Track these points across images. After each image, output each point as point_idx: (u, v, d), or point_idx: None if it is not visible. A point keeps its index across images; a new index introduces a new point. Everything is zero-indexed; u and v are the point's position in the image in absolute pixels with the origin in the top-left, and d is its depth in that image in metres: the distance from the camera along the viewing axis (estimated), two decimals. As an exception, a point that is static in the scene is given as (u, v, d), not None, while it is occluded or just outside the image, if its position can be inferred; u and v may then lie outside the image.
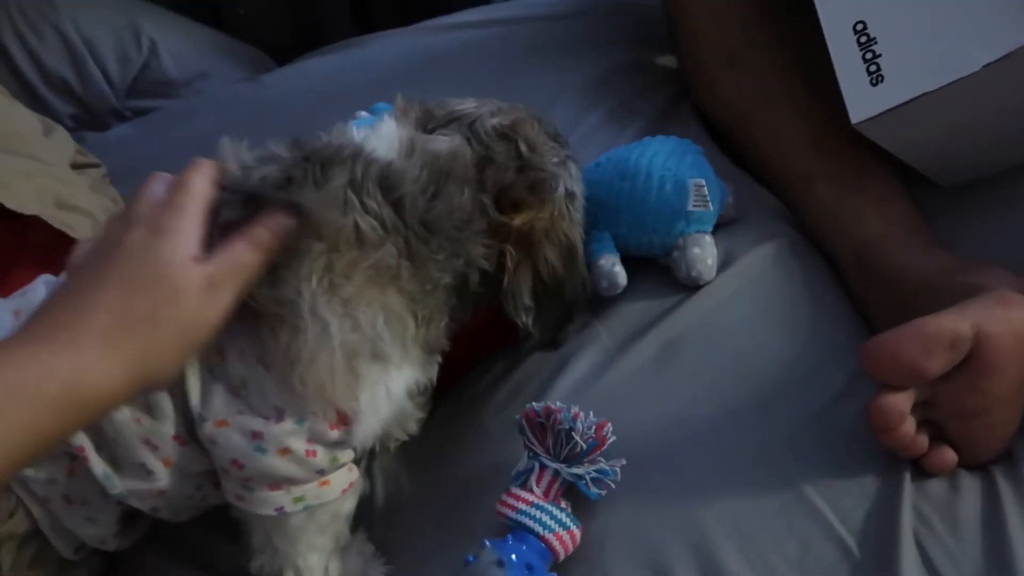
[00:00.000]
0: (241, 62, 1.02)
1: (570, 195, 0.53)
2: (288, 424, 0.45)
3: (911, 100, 0.55)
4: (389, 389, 0.47)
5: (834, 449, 0.51)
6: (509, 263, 0.50)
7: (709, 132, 0.80)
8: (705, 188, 0.60)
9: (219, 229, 0.44)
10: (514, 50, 0.96)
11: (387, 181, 0.46)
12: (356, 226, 0.45)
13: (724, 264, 0.62)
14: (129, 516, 0.50)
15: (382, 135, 0.49)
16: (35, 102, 0.86)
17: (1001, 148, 0.65)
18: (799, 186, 0.69)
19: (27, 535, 0.48)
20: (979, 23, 0.53)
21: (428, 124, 0.52)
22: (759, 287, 0.62)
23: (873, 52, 0.58)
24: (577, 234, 0.54)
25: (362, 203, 0.45)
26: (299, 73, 0.99)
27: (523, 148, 0.51)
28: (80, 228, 0.58)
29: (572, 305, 0.55)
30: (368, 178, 0.46)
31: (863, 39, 0.58)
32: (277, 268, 0.44)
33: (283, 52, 1.04)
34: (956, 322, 0.45)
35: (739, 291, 0.61)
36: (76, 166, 0.73)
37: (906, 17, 0.57)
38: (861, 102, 0.58)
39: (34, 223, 0.57)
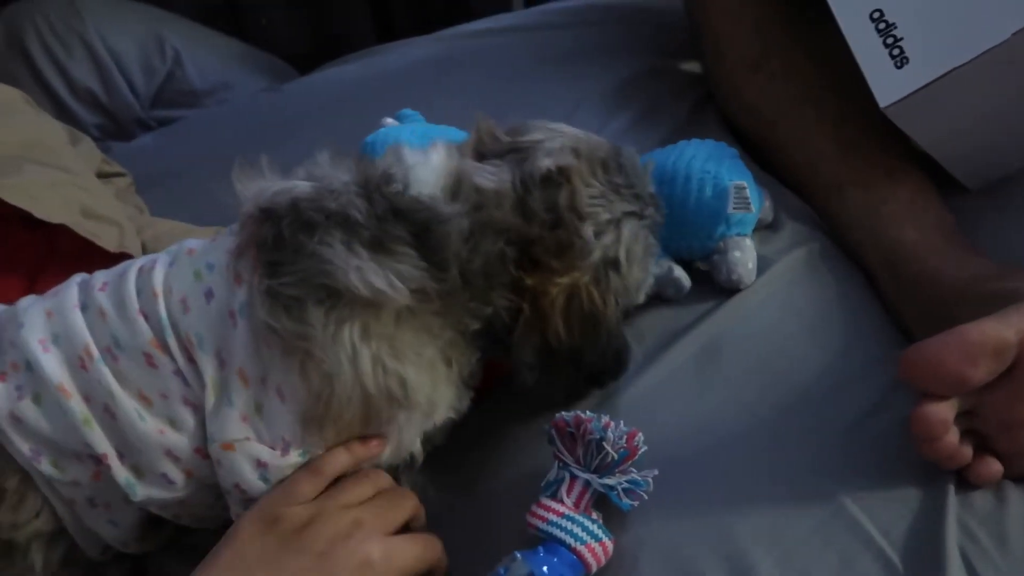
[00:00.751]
0: (263, 71, 1.03)
1: (611, 262, 0.49)
2: (293, 457, 0.45)
3: (940, 78, 0.55)
4: (413, 434, 0.48)
5: (873, 460, 0.49)
6: (522, 318, 0.48)
7: (735, 137, 0.79)
8: (746, 190, 0.59)
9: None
10: (534, 58, 0.96)
11: (432, 239, 0.45)
12: (397, 275, 0.44)
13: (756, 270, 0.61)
14: (152, 520, 0.50)
15: (431, 167, 0.47)
16: (62, 112, 0.87)
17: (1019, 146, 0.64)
18: (829, 192, 0.68)
19: (54, 534, 0.48)
20: None
21: (486, 150, 0.50)
22: (792, 294, 0.61)
23: (894, 37, 0.57)
24: (610, 305, 0.49)
25: (403, 255, 0.45)
26: (320, 82, 1.00)
27: (563, 202, 0.48)
28: (106, 237, 0.58)
29: (598, 373, 0.52)
30: (411, 225, 0.45)
31: (882, 26, 0.57)
32: (304, 302, 0.43)
33: (305, 61, 1.04)
34: (1000, 329, 0.44)
35: (771, 298, 0.60)
36: (102, 175, 0.74)
37: None
38: (888, 86, 0.57)
39: (61, 231, 0.57)
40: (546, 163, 0.48)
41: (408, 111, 0.74)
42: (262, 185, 0.48)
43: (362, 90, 0.95)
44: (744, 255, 0.59)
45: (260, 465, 0.45)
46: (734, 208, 0.59)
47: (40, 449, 0.45)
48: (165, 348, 0.45)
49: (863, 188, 0.66)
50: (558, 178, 0.48)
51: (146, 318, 0.46)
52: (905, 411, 0.48)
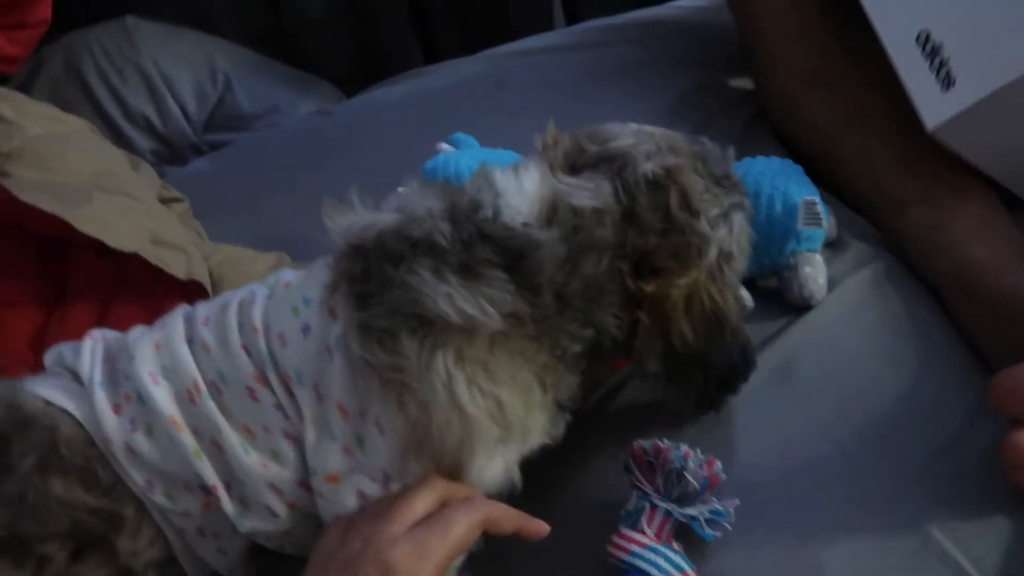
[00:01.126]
0: (311, 94, 1.04)
1: (725, 256, 0.48)
2: (394, 489, 0.45)
3: (986, 97, 0.54)
4: (506, 463, 0.47)
5: (961, 488, 0.48)
6: (642, 325, 0.47)
7: (791, 154, 0.78)
8: (816, 205, 0.59)
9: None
10: (581, 76, 0.96)
11: (525, 266, 0.44)
12: (488, 300, 0.43)
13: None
14: (257, 548, 0.50)
15: (523, 191, 0.46)
16: (118, 139, 0.88)
17: None
18: (894, 209, 0.67)
19: (166, 561, 0.49)
20: None
21: (577, 162, 0.49)
22: (861, 314, 0.60)
23: (941, 59, 0.57)
24: (729, 300, 0.48)
25: (493, 279, 0.44)
26: (367, 104, 1.00)
27: (673, 203, 0.47)
28: (174, 263, 0.59)
29: (727, 375, 0.50)
30: (502, 251, 0.44)
31: (928, 48, 0.57)
32: (397, 333, 0.43)
33: (351, 83, 1.05)
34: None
35: (841, 318, 0.60)
36: (162, 200, 0.74)
37: (970, 18, 0.56)
38: (935, 108, 0.57)
39: (131, 259, 0.58)
40: (649, 167, 0.47)
41: (461, 135, 0.74)
42: (351, 219, 0.47)
43: (410, 111, 0.96)
44: (815, 270, 0.59)
45: (362, 497, 0.45)
46: (805, 224, 0.59)
47: (154, 480, 0.46)
48: (266, 382, 0.45)
49: (929, 205, 0.64)
50: (665, 180, 0.47)
51: (247, 352, 0.46)
52: (989, 438, 0.47)
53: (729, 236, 0.48)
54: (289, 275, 0.50)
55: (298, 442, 0.45)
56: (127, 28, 0.91)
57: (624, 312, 0.46)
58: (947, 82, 0.56)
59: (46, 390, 0.47)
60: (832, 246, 0.65)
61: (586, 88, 0.93)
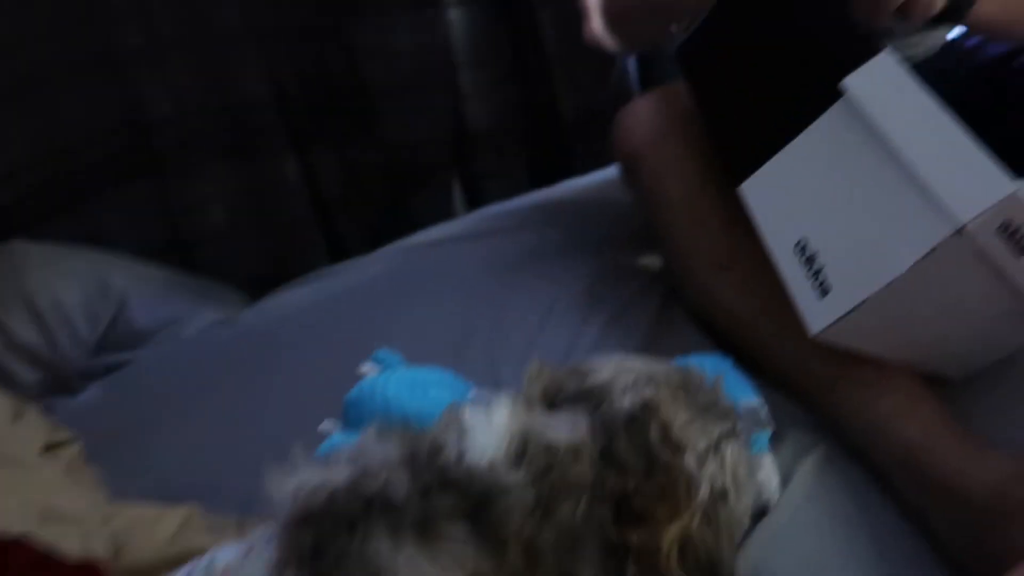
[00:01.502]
0: (212, 302, 0.99)
1: (719, 493, 0.45)
2: None
3: (859, 305, 0.56)
4: None
5: None
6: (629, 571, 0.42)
7: (708, 334, 0.79)
8: (760, 411, 0.58)
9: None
10: (492, 265, 0.96)
11: (490, 515, 0.40)
12: (450, 558, 0.39)
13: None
14: None
15: (492, 426, 0.43)
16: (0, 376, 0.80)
17: (983, 344, 0.66)
18: (822, 390, 0.67)
19: None
20: (905, 222, 0.55)
21: (555, 398, 0.47)
22: (810, 512, 0.59)
23: (817, 267, 0.59)
24: (724, 544, 0.45)
25: (454, 536, 0.40)
26: (275, 308, 0.97)
27: (654, 438, 0.44)
28: (68, 541, 0.52)
29: None
30: (464, 500, 0.41)
31: (805, 256, 0.60)
32: None
33: (257, 286, 1.02)
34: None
35: (793, 521, 0.58)
36: (49, 447, 0.67)
37: (841, 228, 0.59)
38: (815, 315, 0.59)
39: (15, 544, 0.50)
40: (627, 401, 0.45)
41: (384, 352, 0.71)
42: (298, 480, 0.42)
43: (321, 314, 0.93)
44: (768, 474, 0.58)
45: None
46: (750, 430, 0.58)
47: None
48: None
49: (857, 384, 0.65)
50: (643, 416, 0.45)
51: None
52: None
53: (721, 470, 0.46)
54: (226, 555, 0.44)
55: None
56: (13, 253, 0.86)
57: (610, 564, 0.42)
58: (823, 290, 0.58)
59: None
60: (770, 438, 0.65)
61: (499, 278, 0.93)
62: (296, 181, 1.05)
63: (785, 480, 0.60)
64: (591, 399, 0.46)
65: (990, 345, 0.67)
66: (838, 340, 0.60)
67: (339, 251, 1.12)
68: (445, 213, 1.21)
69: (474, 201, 1.27)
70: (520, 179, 1.29)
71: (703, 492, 0.44)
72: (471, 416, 0.44)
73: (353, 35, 0.99)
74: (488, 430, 0.43)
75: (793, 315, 0.69)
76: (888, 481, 0.62)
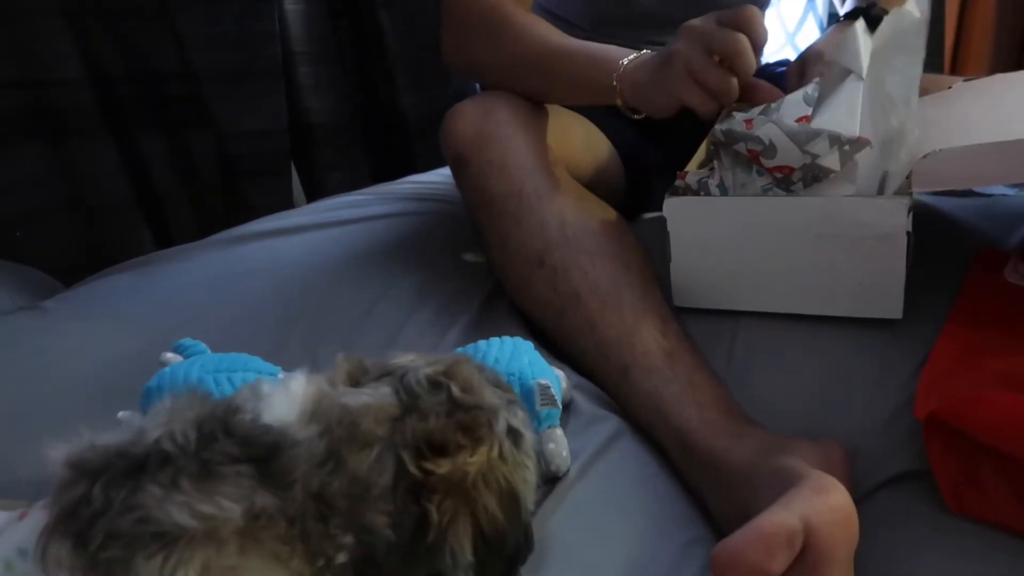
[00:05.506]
0: (19, 287, 0.94)
1: (514, 433, 0.48)
2: None
3: None
4: None
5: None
6: (436, 518, 0.44)
7: (526, 327, 0.83)
8: (551, 388, 0.62)
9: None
10: (325, 255, 0.96)
11: (277, 463, 0.41)
12: (227, 496, 0.40)
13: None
14: None
15: (290, 394, 0.45)
16: None
17: None
18: (616, 378, 0.73)
19: None
20: None
21: (360, 379, 0.49)
22: (600, 482, 0.63)
23: None
24: (521, 478, 0.48)
25: (234, 475, 0.41)
26: (89, 296, 0.92)
27: (455, 391, 0.47)
28: None
29: (513, 560, 0.48)
30: (249, 449, 0.42)
31: None
32: (130, 561, 0.38)
33: (73, 273, 0.97)
34: (787, 519, 0.48)
35: (584, 490, 0.62)
36: None
37: None
38: None
39: None
40: (430, 369, 0.48)
41: (188, 341, 0.69)
42: (75, 444, 0.42)
43: (140, 301, 0.90)
44: (558, 445, 0.62)
45: None
46: (541, 405, 0.62)
47: None
48: None
49: (646, 371, 0.71)
50: (445, 379, 0.48)
51: None
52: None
53: (516, 418, 0.49)
54: None
55: None
56: None
57: (405, 508, 0.44)
58: None
59: None
60: (567, 409, 0.69)
61: (331, 270, 0.93)
62: (116, 166, 1.00)
63: (576, 454, 0.65)
64: (395, 374, 0.48)
65: None
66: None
67: (166, 240, 1.09)
68: (284, 204, 1.20)
69: (315, 193, 1.27)
70: (362, 173, 1.30)
71: (501, 425, 0.48)
72: (269, 387, 0.45)
73: (179, 20, 0.97)
74: (285, 397, 0.45)
75: (593, 312, 0.75)
76: (669, 459, 0.68)
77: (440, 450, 0.45)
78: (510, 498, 0.47)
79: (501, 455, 0.47)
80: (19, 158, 0.94)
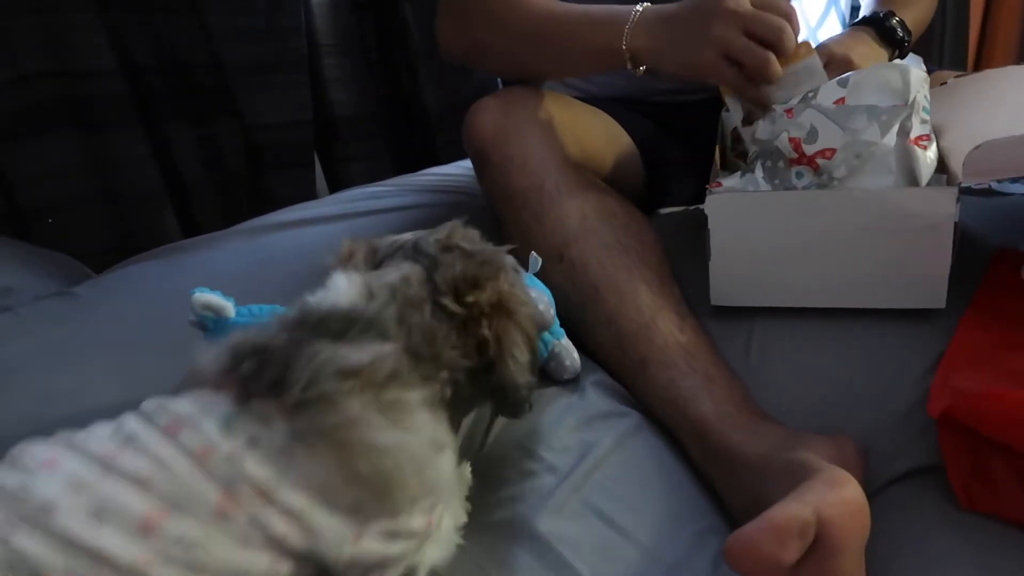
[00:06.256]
0: (51, 273, 0.96)
1: (515, 269, 0.58)
2: (405, 515, 0.48)
3: None
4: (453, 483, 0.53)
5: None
6: (491, 335, 0.53)
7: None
8: (551, 308, 0.71)
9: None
10: (347, 247, 0.97)
11: (376, 330, 0.49)
12: (392, 355, 0.48)
13: (582, 457, 0.65)
14: None
15: (339, 291, 0.51)
16: None
17: None
18: (634, 371, 0.74)
19: None
20: None
21: (376, 259, 0.56)
22: (612, 473, 0.65)
23: None
24: (530, 299, 0.57)
25: (372, 341, 0.48)
26: (118, 281, 0.94)
27: (464, 245, 0.55)
28: None
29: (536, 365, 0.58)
30: (360, 326, 0.49)
31: None
32: (334, 397, 0.45)
33: (102, 259, 0.99)
34: (800, 511, 0.49)
35: (595, 481, 0.64)
36: None
37: None
38: None
39: None
40: (435, 237, 0.56)
41: (202, 289, 0.72)
42: (214, 347, 0.49)
43: (167, 287, 0.92)
44: (569, 350, 0.74)
45: (389, 534, 0.47)
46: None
47: None
48: (236, 499, 0.44)
49: (663, 365, 0.72)
50: (450, 242, 0.56)
51: (204, 475, 0.44)
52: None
53: (509, 258, 0.57)
54: (175, 406, 0.47)
55: (282, 544, 0.45)
56: None
57: (464, 341, 0.52)
58: None
59: None
60: (587, 408, 0.71)
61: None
62: (145, 155, 1.02)
63: (593, 445, 0.66)
64: (406, 247, 0.56)
65: None
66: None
67: (193, 228, 1.11)
68: (307, 195, 1.22)
69: (338, 184, 1.29)
70: (384, 165, 1.31)
71: (508, 261, 0.56)
72: (313, 296, 0.52)
73: (207, 12, 0.98)
74: (341, 289, 0.52)
75: (611, 306, 0.77)
76: (685, 451, 0.70)
77: (474, 284, 0.53)
78: (530, 312, 0.57)
79: (514, 283, 0.56)
80: (52, 148, 0.96)
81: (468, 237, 0.57)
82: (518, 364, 0.54)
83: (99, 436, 0.46)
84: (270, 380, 0.45)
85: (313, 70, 1.13)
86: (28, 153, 0.96)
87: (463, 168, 1.17)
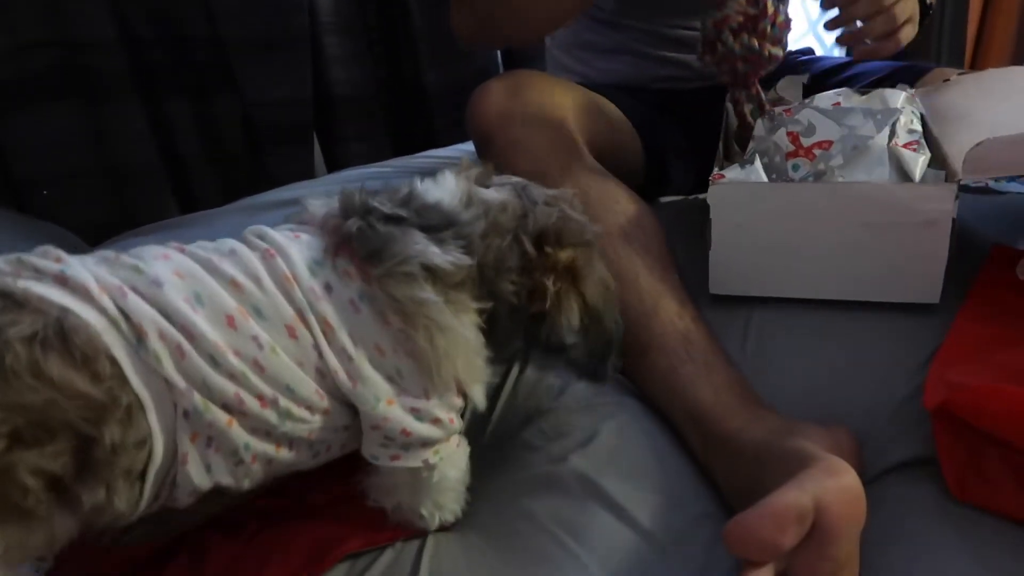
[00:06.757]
0: (45, 243, 0.95)
1: (600, 251, 0.62)
2: (435, 401, 0.55)
3: None
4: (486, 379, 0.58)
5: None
6: (551, 289, 0.58)
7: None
8: None
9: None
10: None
11: (461, 234, 0.55)
12: (457, 258, 0.53)
13: (583, 443, 0.65)
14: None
15: (445, 188, 0.57)
16: None
17: None
18: (635, 356, 0.74)
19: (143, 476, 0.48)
20: None
21: (484, 182, 0.61)
22: (615, 459, 0.65)
23: None
24: (610, 279, 0.62)
25: (456, 248, 0.54)
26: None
27: (566, 208, 0.61)
28: None
29: (611, 341, 0.63)
30: (450, 222, 0.55)
31: None
32: (417, 278, 0.52)
33: (101, 234, 0.98)
34: (799, 497, 0.50)
35: (599, 467, 0.64)
36: None
37: None
38: None
39: None
40: (543, 192, 0.61)
41: None
42: (324, 200, 0.57)
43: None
44: None
45: (414, 411, 0.54)
46: None
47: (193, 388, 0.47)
48: (306, 324, 0.51)
49: (663, 353, 0.73)
50: (554, 202, 0.61)
51: (285, 299, 0.50)
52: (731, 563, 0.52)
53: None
54: (269, 233, 0.55)
55: (326, 377, 0.51)
56: None
57: (523, 282, 0.58)
58: None
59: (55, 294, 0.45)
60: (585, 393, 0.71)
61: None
62: (143, 129, 1.01)
63: (594, 432, 0.67)
64: (516, 185, 0.61)
65: None
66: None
67: (190, 205, 1.10)
68: (305, 174, 1.21)
69: (335, 164, 1.28)
70: (383, 146, 1.31)
71: (589, 234, 0.61)
72: (420, 184, 0.58)
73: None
74: (443, 189, 0.58)
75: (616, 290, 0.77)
76: (682, 437, 0.70)
77: (557, 240, 0.58)
78: (605, 289, 0.61)
79: (593, 254, 0.61)
80: (49, 119, 0.95)
81: (575, 206, 0.62)
82: (568, 326, 0.59)
83: (205, 247, 0.53)
84: (369, 248, 0.52)
85: (314, 48, 1.12)
86: (25, 123, 0.95)
87: (462, 151, 1.17)
